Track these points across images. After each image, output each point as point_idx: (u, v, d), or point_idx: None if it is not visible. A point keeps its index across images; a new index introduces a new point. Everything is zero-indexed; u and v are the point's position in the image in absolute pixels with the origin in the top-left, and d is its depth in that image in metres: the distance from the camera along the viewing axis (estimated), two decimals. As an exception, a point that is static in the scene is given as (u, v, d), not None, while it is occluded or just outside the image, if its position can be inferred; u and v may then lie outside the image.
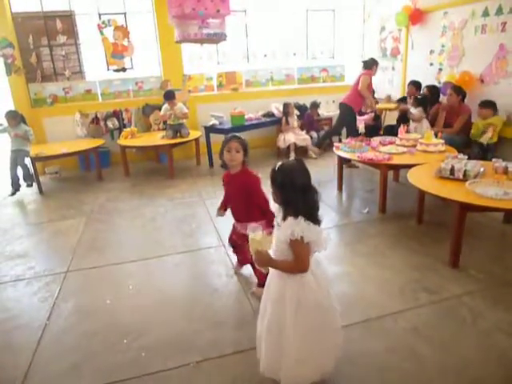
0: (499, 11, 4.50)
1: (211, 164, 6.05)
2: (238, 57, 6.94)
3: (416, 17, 5.64)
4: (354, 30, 7.32)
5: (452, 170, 3.11)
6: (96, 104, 6.29)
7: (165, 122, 5.94)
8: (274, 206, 1.77)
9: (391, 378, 1.92)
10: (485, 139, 4.39)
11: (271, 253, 1.70)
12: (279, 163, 1.67)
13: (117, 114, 6.32)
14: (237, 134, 2.52)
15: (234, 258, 3.13)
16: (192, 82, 6.62)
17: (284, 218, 1.64)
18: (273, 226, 2.33)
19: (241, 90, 6.91)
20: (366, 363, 1.98)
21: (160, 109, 5.93)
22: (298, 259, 1.62)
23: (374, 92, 5.97)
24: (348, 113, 5.55)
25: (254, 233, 1.67)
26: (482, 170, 3.12)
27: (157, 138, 5.69)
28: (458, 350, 2.07)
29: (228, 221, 3.84)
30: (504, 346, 2.09)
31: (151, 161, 6.55)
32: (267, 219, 2.39)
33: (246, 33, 6.76)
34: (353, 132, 5.51)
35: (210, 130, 6.01)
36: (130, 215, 4.25)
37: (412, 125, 5.03)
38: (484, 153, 4.35)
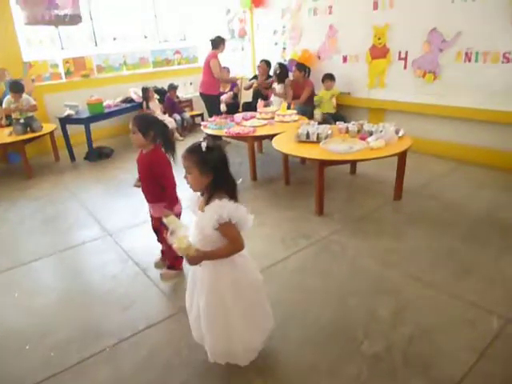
0: (326, -4, 5.26)
1: (73, 158, 5.64)
2: (84, 41, 6.46)
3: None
4: (202, 12, 7.50)
5: (307, 135, 3.63)
6: None
7: (8, 117, 5.27)
8: (190, 194, 1.71)
9: (286, 310, 2.27)
10: (329, 109, 5.11)
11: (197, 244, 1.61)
12: (203, 143, 1.57)
13: None
14: (139, 115, 2.45)
15: (125, 244, 3.13)
16: (34, 70, 5.95)
17: (207, 203, 1.59)
18: (172, 207, 2.35)
19: (93, 76, 6.50)
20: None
21: (0, 102, 5.21)
22: (233, 240, 1.60)
23: (228, 70, 6.35)
24: (210, 101, 5.69)
25: (177, 239, 1.54)
26: (330, 132, 3.70)
27: (3, 135, 5.02)
28: (334, 275, 2.57)
29: (109, 210, 3.78)
30: (364, 264, 2.68)
31: (-4, 163, 5.72)
32: (167, 200, 2.38)
33: (90, 14, 6.32)
34: (217, 113, 5.62)
35: (65, 121, 5.57)
36: (-11, 224, 3.76)
37: (274, 99, 5.52)
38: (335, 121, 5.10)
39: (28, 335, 2.22)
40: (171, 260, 2.65)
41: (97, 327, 2.25)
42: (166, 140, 2.40)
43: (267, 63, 6.03)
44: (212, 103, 5.73)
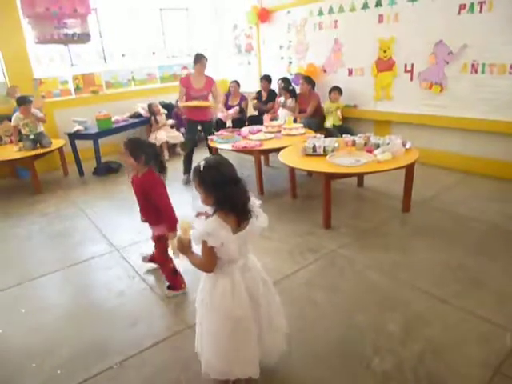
0: (331, 11, 5.31)
1: (81, 173, 5.70)
2: (93, 58, 6.59)
3: (263, 15, 6.22)
4: (209, 28, 7.62)
5: (314, 148, 3.62)
6: None
7: (19, 133, 5.34)
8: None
9: (295, 324, 2.24)
10: (335, 121, 5.14)
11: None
12: (202, 162, 1.58)
13: (-45, 129, 5.43)
14: (130, 138, 2.41)
15: (133, 260, 3.14)
16: (44, 87, 6.06)
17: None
18: (172, 230, 2.37)
19: (101, 92, 6.60)
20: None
21: (10, 119, 5.30)
22: (203, 259, 1.62)
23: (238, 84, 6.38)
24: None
25: (183, 221, 1.66)
26: (336, 145, 3.70)
27: (12, 152, 5.09)
28: (342, 289, 2.54)
29: (116, 225, 3.80)
30: (372, 278, 2.64)
31: (5, 178, 5.79)
32: (166, 221, 2.41)
33: (99, 32, 6.45)
34: (211, 132, 5.06)
35: (74, 136, 5.64)
36: (-2, 238, 3.79)
37: (283, 112, 5.53)
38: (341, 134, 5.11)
39: (34, 352, 2.21)
40: (169, 278, 2.69)
41: (104, 344, 2.23)
42: (157, 162, 2.43)
43: (268, 80, 6.08)
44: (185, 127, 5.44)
